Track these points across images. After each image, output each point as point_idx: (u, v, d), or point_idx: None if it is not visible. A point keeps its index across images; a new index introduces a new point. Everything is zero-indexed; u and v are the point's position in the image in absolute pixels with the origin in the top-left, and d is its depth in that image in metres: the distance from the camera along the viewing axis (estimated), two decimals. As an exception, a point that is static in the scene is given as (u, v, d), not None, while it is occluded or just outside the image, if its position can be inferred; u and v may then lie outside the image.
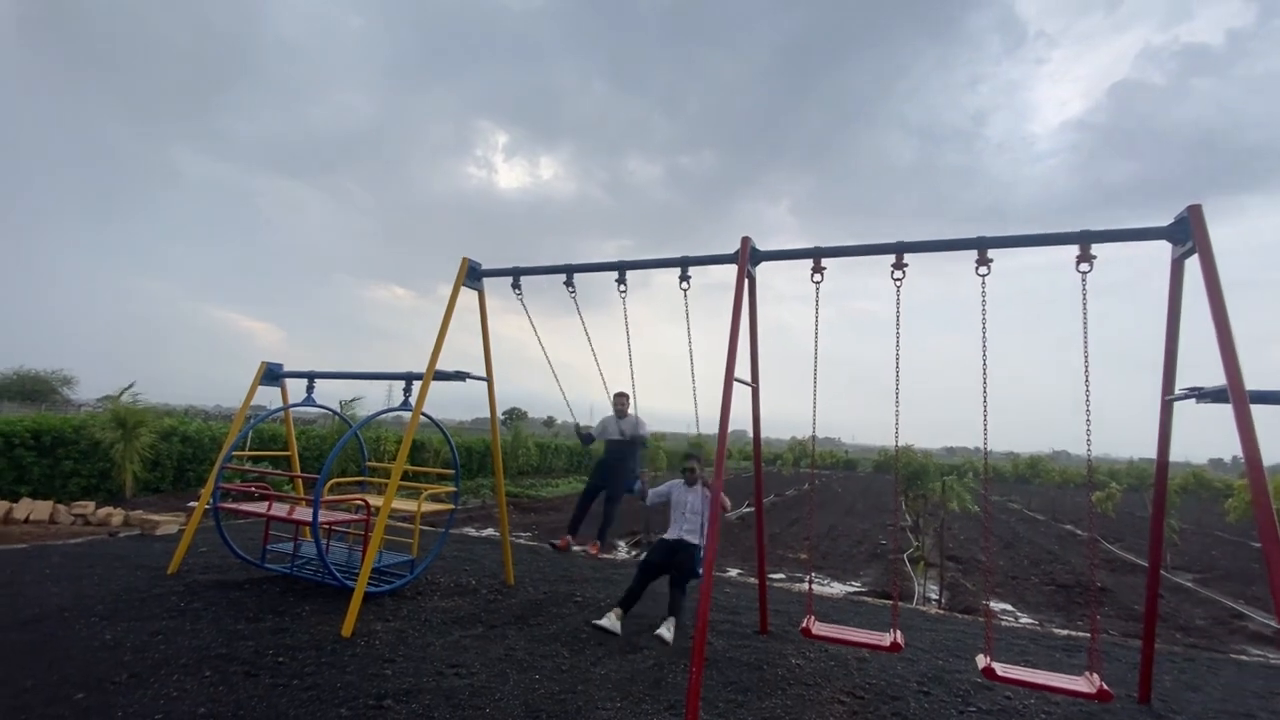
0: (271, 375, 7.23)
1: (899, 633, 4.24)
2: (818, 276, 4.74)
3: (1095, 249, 4.15)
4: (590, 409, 7.77)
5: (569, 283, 5.88)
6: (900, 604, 7.74)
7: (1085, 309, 4.01)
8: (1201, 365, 4.03)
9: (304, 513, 6.18)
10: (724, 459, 4.52)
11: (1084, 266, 4.13)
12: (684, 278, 5.35)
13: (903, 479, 15.17)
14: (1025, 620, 8.07)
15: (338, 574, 5.78)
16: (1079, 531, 18.02)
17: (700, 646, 3.72)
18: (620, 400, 6.73)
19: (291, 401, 7.20)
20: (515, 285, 6.12)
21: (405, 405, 6.32)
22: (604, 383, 6.32)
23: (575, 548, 6.20)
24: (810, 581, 5.20)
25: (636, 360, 5.97)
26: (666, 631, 5.14)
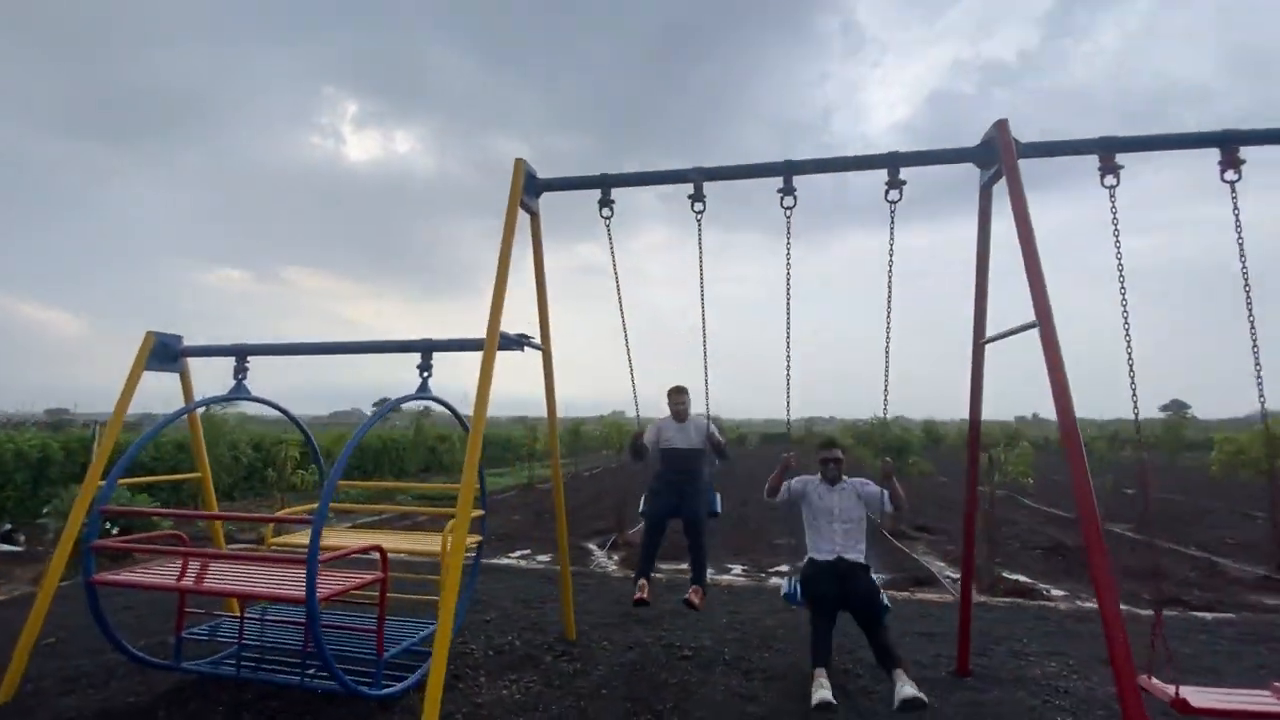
0: (166, 353, 4.55)
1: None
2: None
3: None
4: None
5: (699, 195, 3.95)
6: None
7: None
8: None
9: (238, 574, 3.76)
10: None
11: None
12: (896, 184, 3.65)
13: None
14: None
15: (340, 673, 3.47)
16: None
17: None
18: (678, 399, 4.79)
19: (212, 394, 4.56)
20: (604, 204, 4.04)
21: (425, 391, 4.08)
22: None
23: (684, 600, 4.36)
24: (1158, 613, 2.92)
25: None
26: (912, 689, 3.41)
